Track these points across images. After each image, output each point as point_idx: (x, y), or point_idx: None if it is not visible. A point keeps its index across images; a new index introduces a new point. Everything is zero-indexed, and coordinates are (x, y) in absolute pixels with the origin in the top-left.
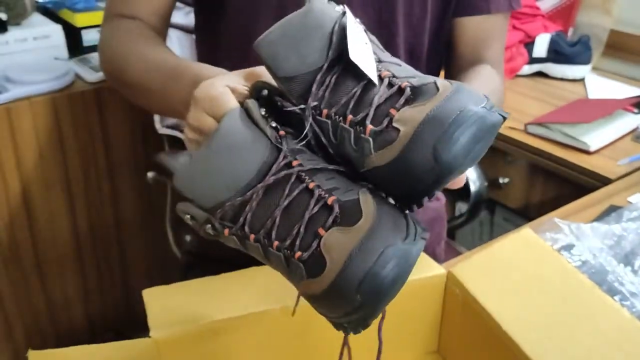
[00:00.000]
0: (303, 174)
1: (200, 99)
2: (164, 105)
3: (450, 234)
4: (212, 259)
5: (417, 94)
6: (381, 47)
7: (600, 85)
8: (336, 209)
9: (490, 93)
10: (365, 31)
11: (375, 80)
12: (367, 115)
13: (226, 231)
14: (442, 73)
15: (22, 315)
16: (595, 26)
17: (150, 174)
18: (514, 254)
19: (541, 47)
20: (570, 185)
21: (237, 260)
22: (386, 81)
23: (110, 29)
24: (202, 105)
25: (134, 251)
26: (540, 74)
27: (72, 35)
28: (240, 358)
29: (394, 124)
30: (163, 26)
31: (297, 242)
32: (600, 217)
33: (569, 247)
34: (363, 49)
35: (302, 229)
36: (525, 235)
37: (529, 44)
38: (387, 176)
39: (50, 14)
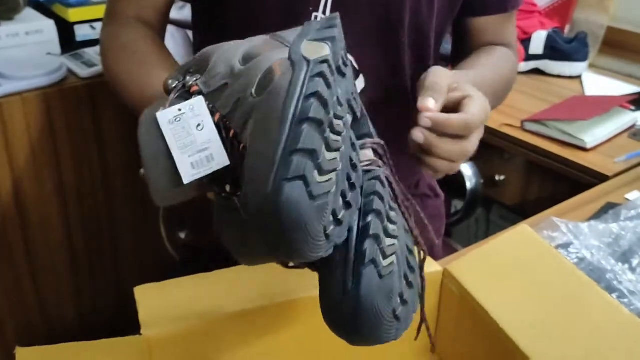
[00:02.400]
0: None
1: None
2: None
3: (446, 231)
4: (208, 251)
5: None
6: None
7: (597, 83)
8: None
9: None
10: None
11: (226, 162)
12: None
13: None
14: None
15: (13, 313)
16: (592, 23)
17: (143, 170)
18: (511, 251)
19: (538, 44)
20: (567, 183)
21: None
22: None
23: (110, 37)
24: None
25: (127, 248)
26: (536, 71)
27: (65, 30)
28: (234, 356)
29: None
30: (162, 22)
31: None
32: (597, 215)
33: (566, 245)
34: (198, 137)
35: None
36: (522, 231)
37: (526, 41)
38: None
39: (43, 8)
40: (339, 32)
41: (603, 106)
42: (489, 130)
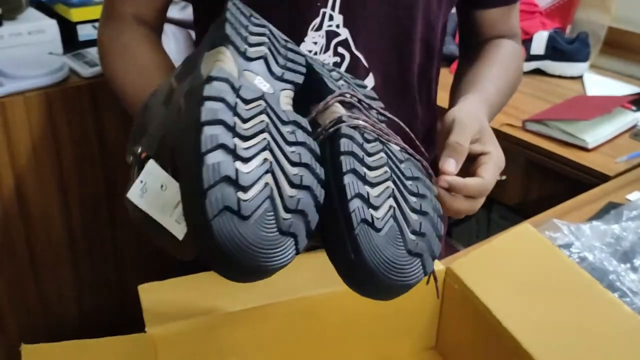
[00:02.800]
0: None
1: None
2: None
3: (447, 231)
4: None
5: None
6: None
7: (599, 83)
8: None
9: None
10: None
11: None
12: None
13: None
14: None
15: (15, 311)
16: (594, 23)
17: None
18: (513, 250)
19: (539, 44)
20: (568, 183)
21: None
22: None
23: (108, 39)
24: None
25: (128, 247)
26: (538, 71)
27: (67, 30)
28: (237, 353)
29: None
30: (160, 21)
31: None
32: (599, 215)
33: (567, 246)
34: (167, 196)
35: None
36: (524, 230)
37: (527, 41)
38: None
39: (45, 8)
40: (232, 24)
41: (604, 106)
42: None
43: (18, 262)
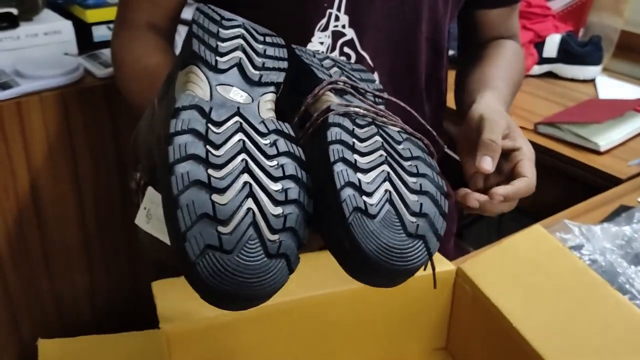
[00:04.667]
0: None
1: None
2: None
3: (458, 233)
4: None
5: None
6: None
7: (611, 86)
8: None
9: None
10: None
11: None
12: None
13: None
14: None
15: (29, 308)
16: (606, 27)
17: None
18: (524, 251)
19: (551, 47)
20: (579, 185)
21: None
22: None
23: (121, 48)
24: None
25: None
26: (550, 74)
27: (83, 31)
28: (251, 351)
29: None
30: (173, 25)
31: None
32: (610, 217)
33: (578, 247)
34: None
35: None
36: (535, 232)
37: (539, 44)
38: None
39: (61, 9)
40: (199, 37)
41: (617, 109)
42: None
43: (32, 261)
